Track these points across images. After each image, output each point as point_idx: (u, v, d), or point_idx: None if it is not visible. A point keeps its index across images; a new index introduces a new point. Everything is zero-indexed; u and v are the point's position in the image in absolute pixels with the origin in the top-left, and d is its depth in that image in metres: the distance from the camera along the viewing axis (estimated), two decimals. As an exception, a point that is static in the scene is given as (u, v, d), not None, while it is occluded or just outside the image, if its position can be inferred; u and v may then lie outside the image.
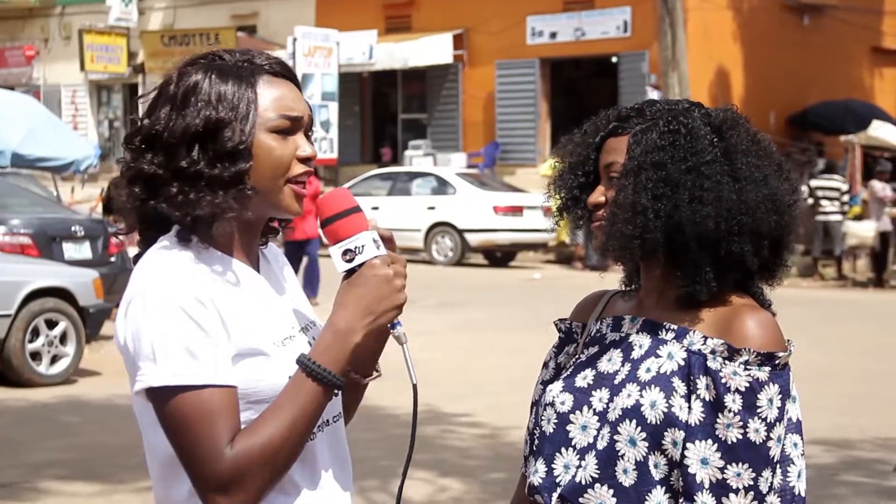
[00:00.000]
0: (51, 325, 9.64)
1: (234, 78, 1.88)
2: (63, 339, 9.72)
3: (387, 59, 25.72)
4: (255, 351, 1.85)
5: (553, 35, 25.19)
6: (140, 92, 30.07)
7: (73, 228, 11.67)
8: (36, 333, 9.54)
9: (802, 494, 1.97)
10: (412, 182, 20.69)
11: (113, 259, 11.86)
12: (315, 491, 1.90)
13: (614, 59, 24.62)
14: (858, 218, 19.15)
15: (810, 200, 18.65)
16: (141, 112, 1.95)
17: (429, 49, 25.66)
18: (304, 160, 1.89)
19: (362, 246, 1.86)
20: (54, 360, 9.69)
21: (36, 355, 9.55)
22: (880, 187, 18.15)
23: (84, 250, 11.64)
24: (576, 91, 25.24)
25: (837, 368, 10.37)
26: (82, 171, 16.24)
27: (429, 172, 21.25)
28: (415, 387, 1.90)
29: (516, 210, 19.69)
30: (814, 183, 18.87)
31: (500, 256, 20.41)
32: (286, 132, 1.89)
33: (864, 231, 18.37)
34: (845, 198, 18.57)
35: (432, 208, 19.85)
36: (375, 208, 19.67)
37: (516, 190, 20.96)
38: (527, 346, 10.40)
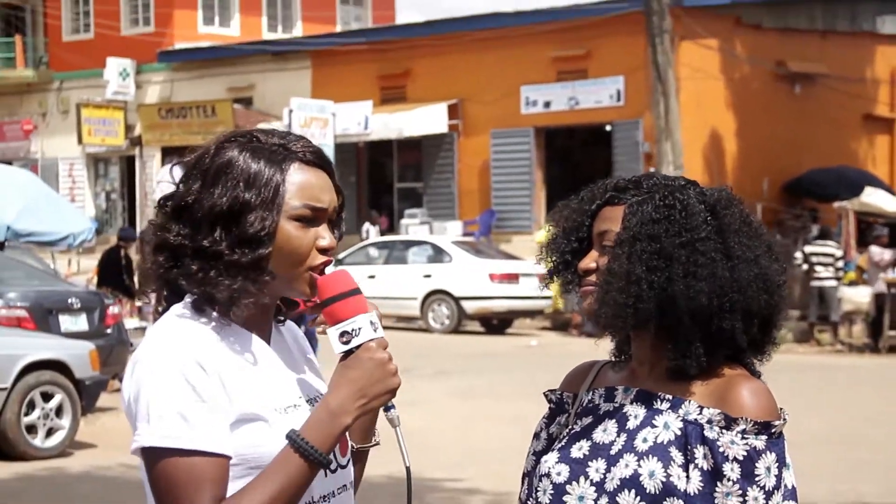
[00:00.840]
0: (46, 397, 9.62)
1: (266, 161, 1.91)
2: (59, 411, 9.68)
3: (382, 129, 25.93)
4: (255, 417, 1.88)
5: (547, 104, 25.42)
6: (137, 164, 30.28)
7: (69, 301, 11.68)
8: (31, 406, 9.51)
9: None
10: (408, 250, 20.75)
11: (109, 331, 11.85)
12: None
13: (608, 128, 24.83)
14: (853, 284, 19.21)
15: (805, 266, 18.72)
16: (176, 177, 1.97)
17: (424, 119, 25.88)
18: (323, 251, 1.93)
19: (359, 328, 1.88)
20: (50, 432, 9.64)
21: (31, 428, 9.51)
22: (878, 252, 18.22)
23: (80, 322, 11.64)
24: (570, 159, 25.42)
25: (835, 435, 10.34)
26: (76, 245, 16.32)
27: (425, 241, 21.32)
28: (408, 469, 1.92)
29: (512, 277, 19.73)
30: (808, 249, 18.95)
31: (496, 324, 20.41)
32: (309, 221, 1.91)
33: (859, 297, 18.41)
34: (840, 263, 18.63)
35: (428, 276, 19.89)
36: (372, 277, 19.71)
37: (512, 257, 21.03)
38: (524, 413, 10.36)
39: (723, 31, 24.72)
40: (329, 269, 1.95)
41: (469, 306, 19.67)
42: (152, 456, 1.83)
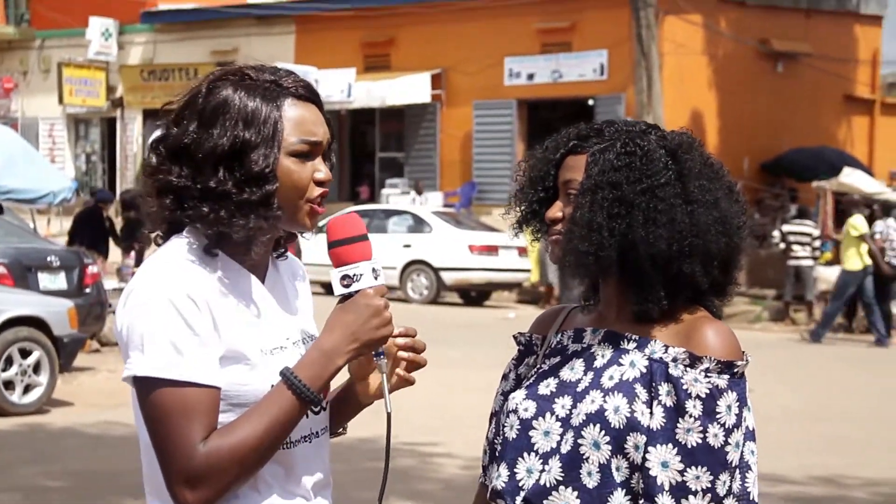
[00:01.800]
0: (24, 354, 9.64)
1: (262, 98, 1.94)
2: (36, 368, 9.70)
3: (365, 98, 25.88)
4: (240, 356, 1.93)
5: (530, 76, 25.43)
6: (118, 126, 30.14)
7: (48, 259, 11.68)
8: (9, 362, 9.53)
9: (756, 500, 2.06)
10: (388, 220, 20.76)
11: (88, 290, 11.86)
12: (291, 500, 1.97)
13: (591, 102, 24.87)
14: (830, 263, 19.34)
15: (782, 245, 18.83)
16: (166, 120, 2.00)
17: (407, 88, 25.85)
18: (321, 183, 1.97)
19: (360, 274, 1.94)
20: (27, 389, 9.67)
21: (9, 384, 9.53)
22: None
23: (59, 281, 11.64)
24: (552, 132, 25.23)
25: (806, 410, 10.47)
26: (57, 203, 16.27)
27: (405, 210, 21.34)
28: (389, 415, 1.98)
29: (492, 249, 19.79)
30: (786, 228, 19.06)
31: (474, 295, 20.48)
32: (305, 156, 1.96)
33: (834, 276, 18.54)
34: (816, 243, 18.75)
35: (408, 246, 19.92)
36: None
37: (492, 229, 21.08)
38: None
39: (707, 6, 24.76)
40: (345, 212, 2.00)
41: (448, 277, 19.72)
42: (145, 386, 1.88)
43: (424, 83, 25.97)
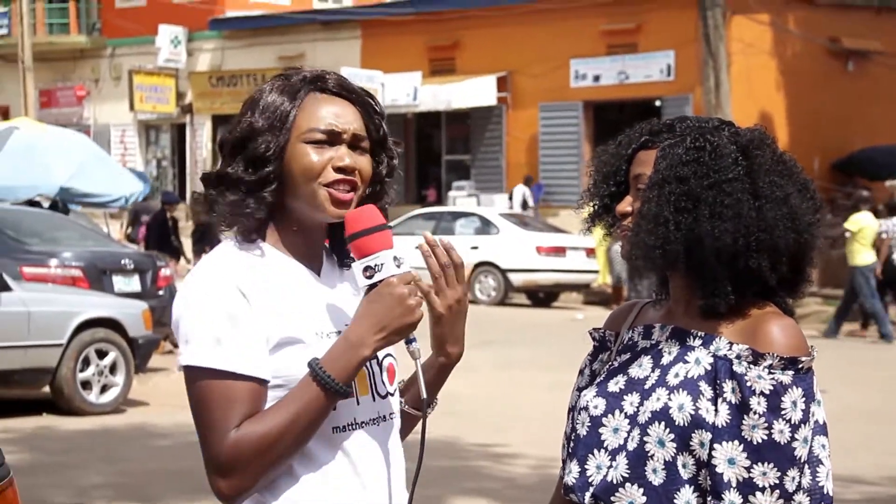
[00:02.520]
0: (101, 355, 9.83)
1: (284, 93, 2.04)
2: (113, 369, 9.89)
3: (431, 101, 25.96)
4: (294, 339, 1.98)
5: (596, 78, 25.34)
6: (188, 132, 30.53)
7: (122, 262, 11.89)
8: (86, 363, 9.73)
9: (831, 494, 2.05)
10: (456, 222, 20.81)
11: (161, 292, 12.05)
12: (343, 484, 2.00)
13: (657, 103, 24.72)
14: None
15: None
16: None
17: (473, 91, 25.88)
18: (340, 169, 2.01)
19: (381, 264, 1.96)
20: (104, 389, 9.86)
21: (86, 384, 9.73)
22: None
23: (133, 283, 11.84)
24: (619, 134, 25.24)
25: (884, 411, 10.33)
26: (131, 203, 16.56)
27: (472, 213, 21.38)
28: (424, 401, 2.01)
29: (559, 251, 19.76)
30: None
31: (542, 297, 20.46)
32: (323, 144, 2.01)
33: (908, 276, 18.24)
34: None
35: (476, 248, 19.95)
36: (419, 247, 19.75)
37: (559, 231, 21.05)
38: (568, 383, 10.41)
39: (775, 5, 24.50)
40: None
41: (515, 278, 19.73)
42: (190, 375, 1.96)
43: (490, 86, 25.99)
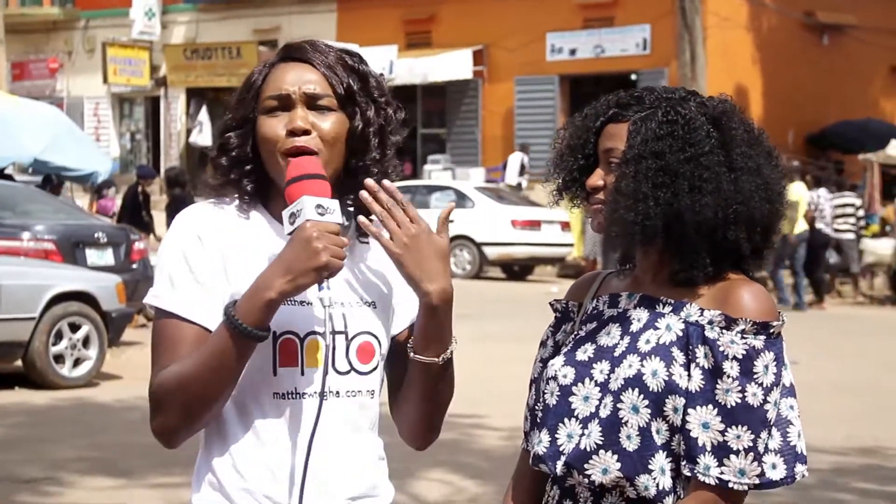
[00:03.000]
0: (74, 328, 9.77)
1: (263, 66, 2.08)
2: (86, 342, 9.85)
3: (407, 74, 25.86)
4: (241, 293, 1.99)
5: (572, 52, 25.31)
6: (162, 105, 30.34)
7: (95, 235, 11.82)
8: (59, 337, 9.67)
9: (804, 453, 2.07)
10: (431, 195, 20.78)
11: (135, 266, 12.00)
12: (278, 449, 1.99)
13: (633, 77, 24.72)
14: (876, 236, 19.17)
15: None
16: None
17: (448, 64, 25.81)
18: (290, 132, 2.00)
19: (300, 209, 1.94)
20: (77, 363, 9.81)
21: (59, 358, 9.68)
22: None
23: (107, 256, 11.78)
24: (595, 107, 25.30)
25: (853, 382, 10.42)
26: (100, 182, 16.47)
27: (448, 186, 21.36)
28: (328, 347, 1.96)
29: (534, 224, 19.77)
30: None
31: (517, 270, 20.49)
32: (276, 110, 2.03)
33: (882, 249, 18.38)
34: (860, 213, 18.58)
35: (451, 221, 19.80)
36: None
37: (534, 204, 21.05)
38: (543, 356, 10.46)
39: (751, -21, 24.52)
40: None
41: (490, 252, 19.73)
42: (154, 312, 2.05)
43: (466, 59, 25.92)
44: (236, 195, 2.07)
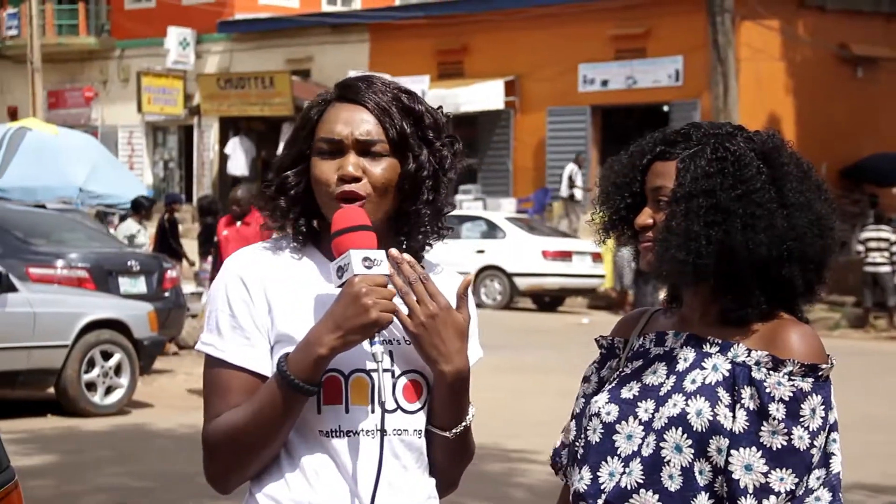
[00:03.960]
0: (106, 356, 9.81)
1: (317, 104, 2.08)
2: (118, 370, 9.88)
3: (438, 104, 25.87)
4: (290, 339, 1.99)
5: (605, 83, 25.31)
6: (195, 134, 30.56)
7: (128, 263, 11.88)
8: (91, 364, 9.71)
9: (841, 475, 2.04)
10: (462, 225, 20.78)
11: (167, 294, 12.04)
12: (329, 489, 1.99)
13: (665, 108, 24.68)
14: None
15: (861, 251, 18.57)
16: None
17: (481, 95, 25.86)
18: (340, 179, 2.01)
19: (348, 264, 1.94)
20: (108, 390, 9.85)
21: (91, 385, 9.71)
22: None
23: (139, 285, 11.83)
24: (627, 139, 24.99)
25: (888, 418, 10.29)
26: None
27: (479, 216, 21.35)
28: (382, 404, 1.95)
29: (565, 255, 19.72)
30: (863, 234, 18.78)
31: (548, 301, 20.43)
32: (330, 154, 2.02)
33: (915, 283, 18.21)
34: (894, 248, 18.44)
35: (482, 252, 19.92)
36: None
37: (566, 235, 21.01)
38: (574, 387, 10.40)
39: (785, 11, 24.46)
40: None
41: (521, 283, 19.69)
42: (205, 358, 2.06)
43: (498, 90, 25.97)
44: (292, 235, 2.07)
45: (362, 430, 2.00)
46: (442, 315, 1.97)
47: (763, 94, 23.63)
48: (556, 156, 25.86)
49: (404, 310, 1.97)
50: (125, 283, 11.70)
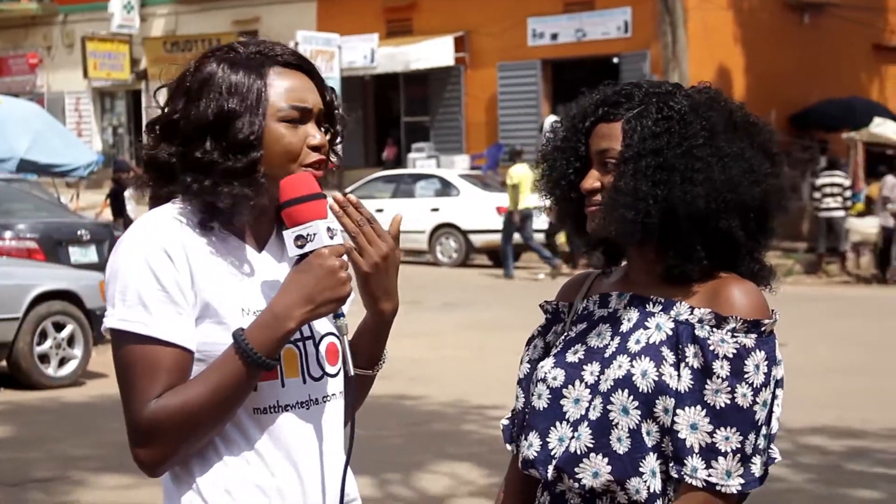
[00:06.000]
0: (58, 327, 9.70)
1: (245, 69, 1.96)
2: (70, 341, 9.77)
3: (388, 63, 25.77)
4: (214, 313, 1.92)
5: (554, 36, 25.25)
6: (143, 99, 30.20)
7: (78, 232, 11.73)
8: (44, 336, 9.60)
9: (776, 433, 2.03)
10: (416, 184, 20.74)
11: (119, 262, 11.90)
12: (269, 467, 1.95)
13: (615, 60, 24.67)
14: (862, 215, 19.18)
15: (816, 195, 18.71)
16: (161, 101, 2.03)
17: (430, 52, 25.72)
18: (315, 148, 1.96)
19: (314, 234, 1.89)
20: (62, 362, 9.74)
21: (44, 358, 9.61)
22: (893, 183, 17.94)
23: (90, 254, 11.70)
24: (578, 92, 25.10)
25: (842, 364, 10.41)
26: (86, 175, 16.38)
27: (432, 174, 21.30)
28: (351, 378, 1.94)
29: (520, 211, 19.69)
30: (818, 181, 18.91)
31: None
32: (296, 121, 1.96)
33: (867, 227, 18.40)
34: (847, 193, 18.59)
35: (436, 210, 19.89)
36: (380, 210, 19.69)
37: (519, 191, 20.98)
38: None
39: (732, -40, 24.48)
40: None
41: (477, 240, 19.69)
42: (116, 338, 1.91)
43: (447, 46, 25.83)
44: (214, 203, 1.94)
45: (297, 403, 1.97)
46: (392, 255, 1.98)
47: (711, 43, 23.67)
48: (508, 111, 25.80)
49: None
50: (76, 253, 11.56)
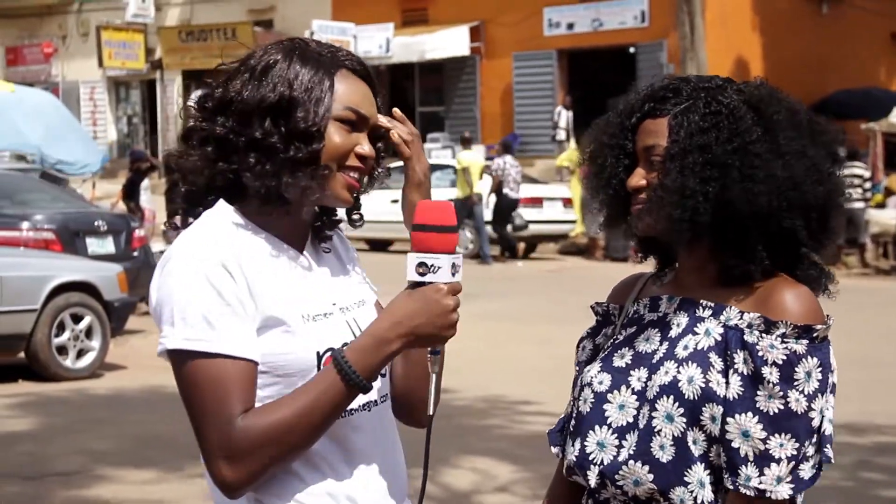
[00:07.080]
0: (76, 319, 9.68)
1: (314, 64, 1.92)
2: (89, 333, 9.76)
3: (404, 52, 25.71)
4: (278, 322, 1.87)
5: (570, 26, 25.15)
6: (158, 88, 30.20)
7: (95, 223, 11.71)
8: (62, 328, 9.58)
9: (830, 434, 1.96)
10: (432, 174, 20.66)
11: (136, 254, 11.89)
12: (343, 475, 1.91)
13: (632, 50, 24.56)
14: (881, 206, 19.06)
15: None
16: (177, 92, 1.98)
17: (446, 42, 25.65)
18: (361, 157, 1.93)
19: (439, 267, 1.84)
20: (80, 354, 9.73)
21: (62, 350, 9.59)
22: None
23: (107, 245, 11.67)
24: (593, 82, 25.20)
25: (863, 356, 10.34)
26: (94, 174, 16.38)
27: (448, 165, 21.23)
28: (430, 417, 1.89)
29: (536, 202, 19.65)
30: (835, 171, 18.79)
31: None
32: (351, 126, 1.92)
33: (886, 219, 18.29)
34: (867, 185, 18.48)
35: (451, 200, 19.82)
36: (395, 201, 19.61)
37: (535, 181, 20.93)
38: (552, 337, 10.40)
39: (750, -51, 24.34)
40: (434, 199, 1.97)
41: (491, 230, 19.61)
42: (179, 359, 1.84)
43: (463, 36, 25.75)
44: (254, 195, 1.89)
45: (360, 406, 1.94)
46: (428, 170, 2.18)
47: (729, 32, 23.55)
48: (523, 101, 25.72)
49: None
50: (93, 244, 11.53)
